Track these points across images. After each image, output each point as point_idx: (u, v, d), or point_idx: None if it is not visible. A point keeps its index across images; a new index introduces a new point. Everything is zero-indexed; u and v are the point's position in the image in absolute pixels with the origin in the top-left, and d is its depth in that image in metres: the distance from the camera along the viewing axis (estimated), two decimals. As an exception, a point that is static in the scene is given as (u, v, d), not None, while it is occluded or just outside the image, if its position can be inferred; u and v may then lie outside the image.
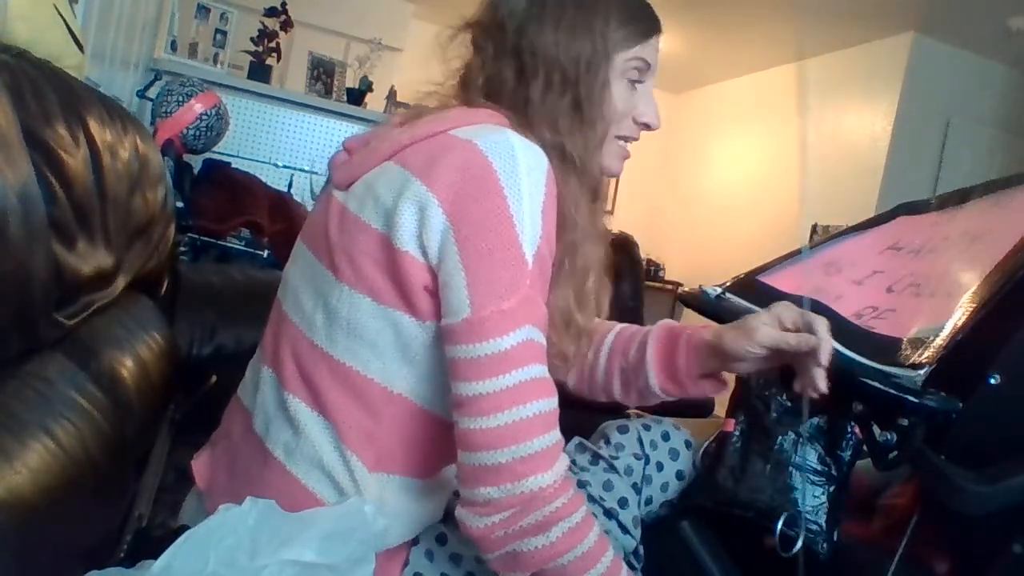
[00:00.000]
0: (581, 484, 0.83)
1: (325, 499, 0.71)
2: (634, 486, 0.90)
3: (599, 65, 0.74)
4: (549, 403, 0.67)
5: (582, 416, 0.96)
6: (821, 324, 0.75)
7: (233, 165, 2.55)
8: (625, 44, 0.76)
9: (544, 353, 0.68)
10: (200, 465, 0.83)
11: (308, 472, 0.71)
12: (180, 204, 2.06)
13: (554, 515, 0.65)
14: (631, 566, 0.85)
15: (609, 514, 0.85)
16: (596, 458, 0.90)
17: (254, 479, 0.74)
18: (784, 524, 0.83)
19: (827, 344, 0.74)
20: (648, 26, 0.78)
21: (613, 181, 5.81)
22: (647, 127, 0.81)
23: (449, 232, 0.65)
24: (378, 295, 0.68)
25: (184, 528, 0.67)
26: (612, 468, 0.89)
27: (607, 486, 0.87)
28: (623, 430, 0.94)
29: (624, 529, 0.85)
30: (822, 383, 0.73)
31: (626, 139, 0.82)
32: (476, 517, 0.66)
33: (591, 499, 0.84)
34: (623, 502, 0.86)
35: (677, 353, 0.88)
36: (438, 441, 0.73)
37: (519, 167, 0.65)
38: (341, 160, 0.77)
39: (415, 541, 0.78)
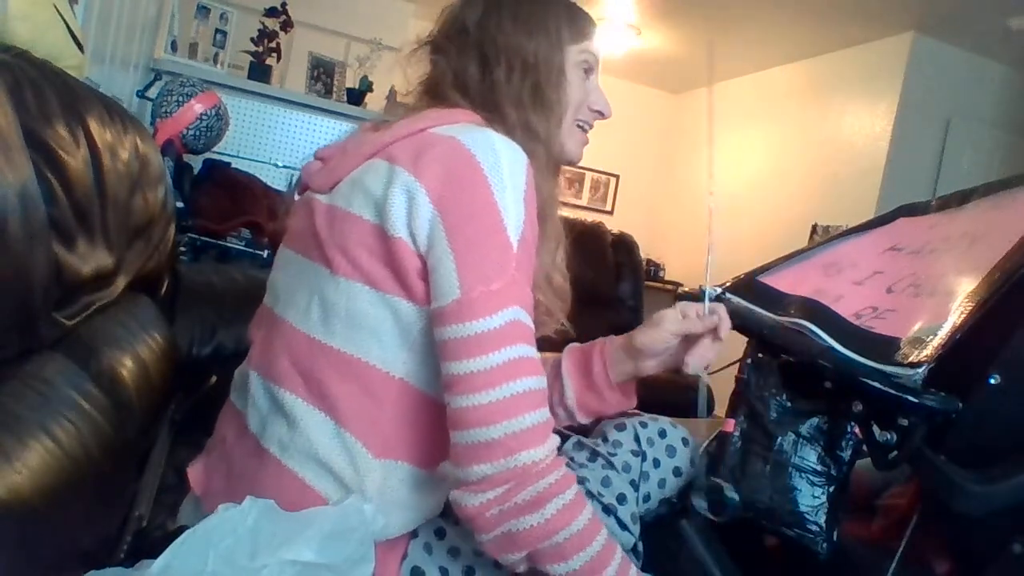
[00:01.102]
0: (579, 480, 0.83)
1: (322, 492, 0.71)
2: (632, 482, 0.90)
3: (554, 56, 0.83)
4: (538, 381, 0.69)
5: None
6: (720, 307, 0.87)
7: (233, 165, 2.55)
8: (574, 39, 0.85)
9: (532, 335, 0.70)
10: (196, 472, 0.83)
11: (304, 465, 0.71)
12: (180, 204, 2.06)
13: (548, 491, 0.66)
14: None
15: (607, 510, 0.85)
16: (594, 455, 0.91)
17: (250, 478, 0.74)
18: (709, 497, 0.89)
19: (726, 322, 0.85)
20: (589, 25, 0.87)
21: (613, 181, 5.82)
22: (600, 115, 0.90)
23: (437, 220, 0.67)
24: (376, 283, 0.71)
25: (183, 529, 0.67)
26: (610, 465, 0.90)
27: (605, 482, 0.87)
28: (620, 427, 0.95)
29: (623, 525, 0.85)
30: (697, 360, 0.85)
31: (583, 125, 0.89)
32: (470, 495, 0.66)
33: (589, 495, 0.84)
34: (621, 498, 0.87)
35: (592, 362, 0.93)
36: (439, 427, 0.73)
37: (501, 159, 0.69)
38: (316, 168, 0.81)
39: (414, 534, 0.78)
